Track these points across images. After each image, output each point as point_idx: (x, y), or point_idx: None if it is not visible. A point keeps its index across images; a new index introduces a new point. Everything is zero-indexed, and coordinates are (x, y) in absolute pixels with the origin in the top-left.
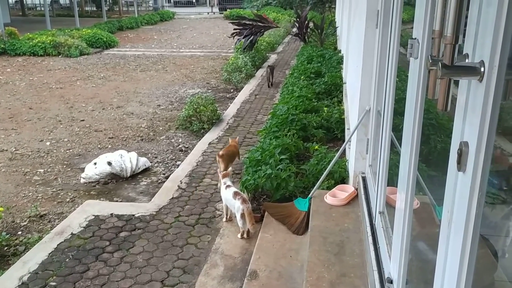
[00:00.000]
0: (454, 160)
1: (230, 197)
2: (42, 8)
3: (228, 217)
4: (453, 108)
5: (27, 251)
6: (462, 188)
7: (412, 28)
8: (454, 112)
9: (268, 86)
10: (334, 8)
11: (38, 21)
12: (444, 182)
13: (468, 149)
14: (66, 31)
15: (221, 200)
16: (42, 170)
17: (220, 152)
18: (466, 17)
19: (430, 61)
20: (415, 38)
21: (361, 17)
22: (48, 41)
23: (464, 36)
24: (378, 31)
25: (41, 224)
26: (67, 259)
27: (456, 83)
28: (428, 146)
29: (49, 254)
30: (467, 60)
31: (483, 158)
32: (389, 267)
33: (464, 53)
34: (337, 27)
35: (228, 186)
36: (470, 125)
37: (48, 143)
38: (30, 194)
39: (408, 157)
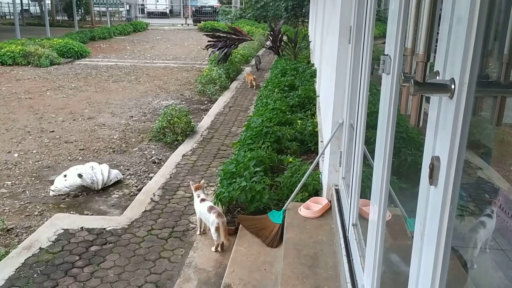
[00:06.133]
0: (426, 175)
1: (204, 211)
2: (12, 17)
3: (202, 230)
4: (424, 123)
5: None
6: (434, 202)
7: (383, 43)
8: (424, 126)
9: (257, 70)
10: (307, 22)
11: (7, 30)
12: (415, 194)
13: (439, 164)
14: (37, 40)
15: (194, 213)
16: (10, 183)
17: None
18: (438, 33)
19: (403, 77)
20: (387, 54)
21: (334, 32)
22: (18, 50)
23: (435, 53)
24: (351, 46)
25: (8, 239)
26: (35, 275)
27: (428, 99)
28: (399, 159)
29: (16, 269)
30: (438, 77)
31: (454, 172)
32: (363, 279)
33: (435, 70)
34: (310, 41)
35: (202, 200)
36: (441, 140)
37: (16, 155)
38: None
39: (381, 170)
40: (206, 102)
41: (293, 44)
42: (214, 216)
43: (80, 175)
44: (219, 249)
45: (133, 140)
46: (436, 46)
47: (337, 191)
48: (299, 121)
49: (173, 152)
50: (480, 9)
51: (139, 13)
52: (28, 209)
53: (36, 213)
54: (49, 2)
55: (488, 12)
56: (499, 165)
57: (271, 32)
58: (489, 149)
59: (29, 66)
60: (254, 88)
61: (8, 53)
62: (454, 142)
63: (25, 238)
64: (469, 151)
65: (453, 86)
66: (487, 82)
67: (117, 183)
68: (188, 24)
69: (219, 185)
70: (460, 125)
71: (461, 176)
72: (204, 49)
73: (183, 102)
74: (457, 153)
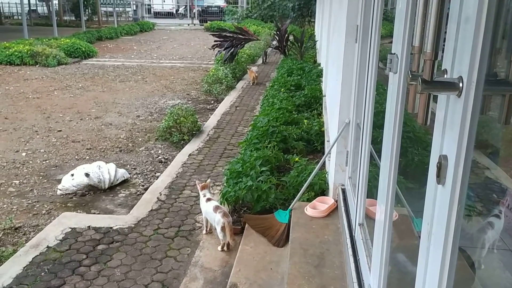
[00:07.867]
0: (434, 173)
1: (210, 211)
2: (20, 17)
3: (208, 229)
4: (431, 122)
5: (1, 265)
6: (441, 201)
7: (390, 43)
8: (431, 125)
9: (263, 63)
10: (314, 22)
11: (15, 30)
12: (422, 194)
13: (447, 163)
14: (44, 40)
15: (201, 212)
16: (18, 182)
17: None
18: (445, 32)
19: (410, 76)
20: (394, 53)
21: (340, 32)
22: (25, 50)
23: (443, 52)
24: (358, 45)
25: (16, 237)
26: (43, 273)
27: (435, 98)
28: (406, 158)
29: (24, 267)
30: (445, 76)
31: (462, 171)
32: (369, 279)
33: (442, 68)
34: (316, 41)
35: (208, 199)
36: (449, 139)
37: (24, 154)
38: (4, 206)
39: (388, 169)
40: (212, 102)
41: (299, 44)
42: (220, 216)
43: (87, 174)
44: (225, 248)
45: (140, 139)
46: (443, 44)
47: (344, 191)
48: (305, 121)
49: (180, 151)
50: (488, 8)
51: (146, 13)
52: (35, 208)
53: (43, 211)
54: (57, 2)
55: (496, 10)
56: (507, 165)
57: (278, 32)
58: (497, 148)
59: (37, 66)
60: (255, 84)
61: (16, 53)
62: (462, 141)
63: (32, 237)
64: (477, 151)
65: (461, 85)
66: (495, 80)
67: (124, 182)
68: (194, 24)
69: (225, 184)
70: (468, 124)
71: (469, 175)
72: (210, 48)
73: (190, 102)
74: (465, 152)
